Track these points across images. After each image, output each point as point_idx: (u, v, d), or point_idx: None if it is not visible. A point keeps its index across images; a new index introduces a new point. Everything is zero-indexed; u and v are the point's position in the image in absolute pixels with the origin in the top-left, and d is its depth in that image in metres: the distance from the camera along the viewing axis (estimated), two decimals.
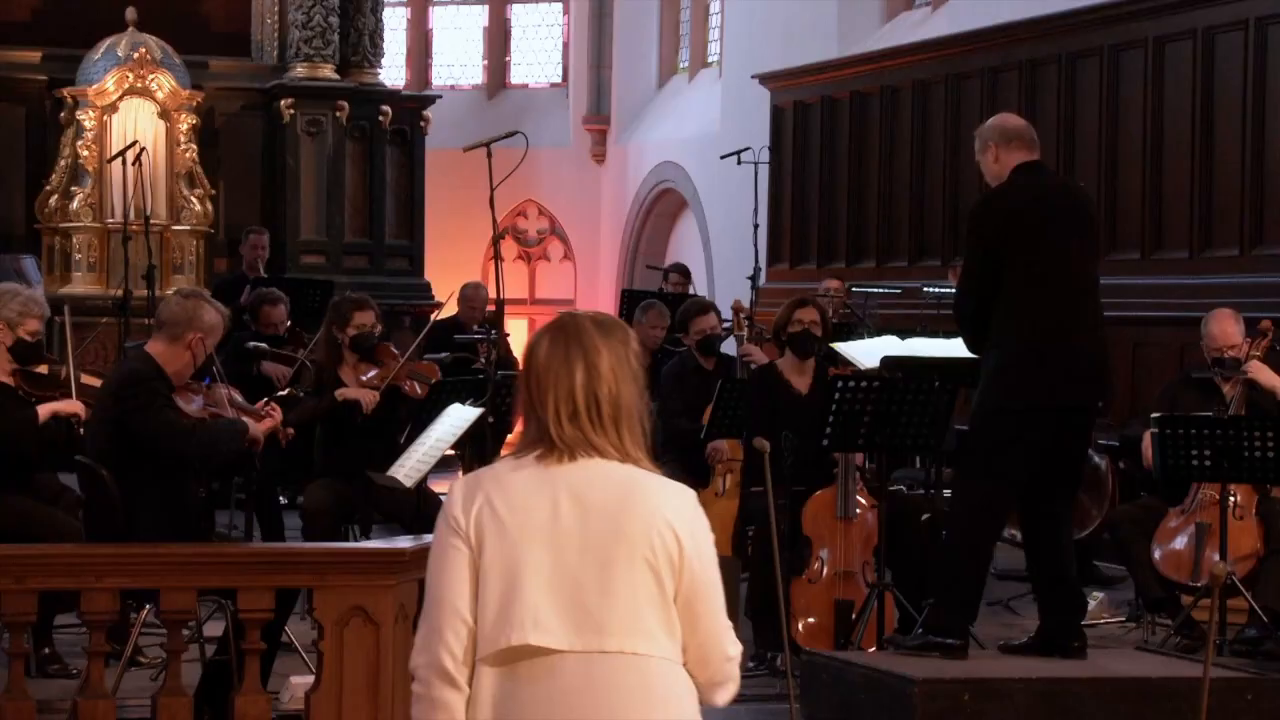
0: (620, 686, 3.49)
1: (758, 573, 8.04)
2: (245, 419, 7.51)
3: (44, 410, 7.69)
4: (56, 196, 15.86)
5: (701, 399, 9.64)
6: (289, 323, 11.44)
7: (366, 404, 8.78)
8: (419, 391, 9.05)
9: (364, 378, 8.99)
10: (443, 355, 11.74)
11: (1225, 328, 8.78)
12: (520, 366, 3.64)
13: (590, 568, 3.50)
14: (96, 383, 7.92)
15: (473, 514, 3.54)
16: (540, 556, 3.50)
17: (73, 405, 7.73)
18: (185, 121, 15.94)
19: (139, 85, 15.74)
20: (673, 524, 3.54)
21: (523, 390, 3.60)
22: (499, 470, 3.60)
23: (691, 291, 14.42)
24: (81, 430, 7.63)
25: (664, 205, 20.49)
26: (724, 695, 3.64)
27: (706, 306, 10.45)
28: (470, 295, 13.81)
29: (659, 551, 3.52)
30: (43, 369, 7.99)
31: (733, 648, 3.62)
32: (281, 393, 9.73)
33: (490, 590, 3.51)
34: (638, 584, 3.51)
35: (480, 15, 22.25)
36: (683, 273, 14.92)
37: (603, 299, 20.60)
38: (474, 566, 3.53)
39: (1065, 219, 7.33)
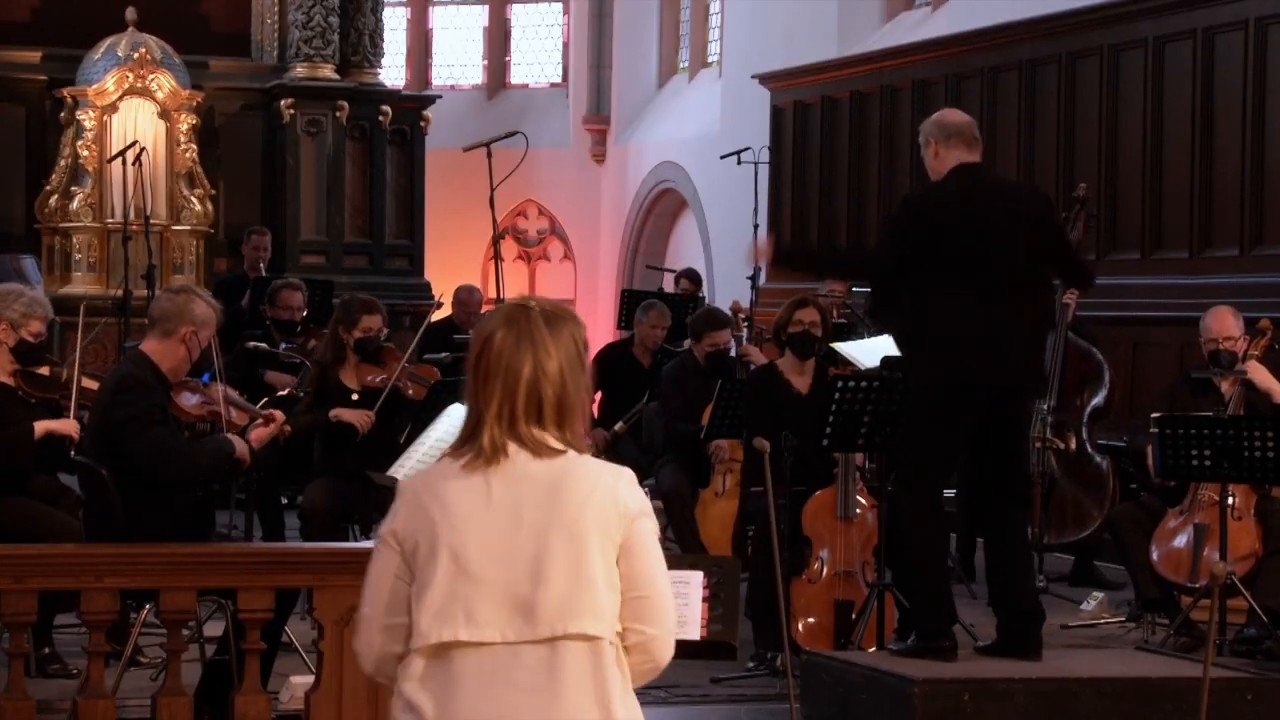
0: (545, 673, 3.52)
1: (758, 573, 8.03)
2: (233, 438, 7.47)
3: (39, 427, 7.67)
4: (56, 196, 15.86)
5: (701, 399, 9.66)
6: (305, 312, 11.39)
7: (361, 427, 8.79)
8: (418, 393, 9.06)
9: (366, 379, 8.98)
10: (442, 356, 11.76)
11: (1222, 319, 8.80)
12: (470, 352, 3.66)
13: (524, 557, 3.54)
14: (96, 385, 7.91)
15: (407, 523, 3.59)
16: (474, 552, 3.54)
17: (67, 426, 7.70)
18: (185, 121, 15.93)
19: (139, 85, 15.73)
20: (614, 499, 3.59)
21: (470, 378, 3.63)
22: (434, 474, 3.64)
23: (702, 296, 14.48)
24: (73, 453, 7.61)
25: (664, 205, 20.48)
26: (666, 659, 3.67)
27: (724, 321, 10.19)
28: (464, 298, 13.90)
29: (597, 528, 3.56)
30: (44, 370, 7.98)
31: (674, 626, 3.66)
32: (282, 393, 9.75)
33: (425, 590, 3.55)
34: (576, 566, 3.54)
35: (480, 15, 22.25)
36: (693, 279, 14.94)
37: (603, 299, 20.60)
38: (407, 573, 3.58)
39: (995, 223, 7.25)
